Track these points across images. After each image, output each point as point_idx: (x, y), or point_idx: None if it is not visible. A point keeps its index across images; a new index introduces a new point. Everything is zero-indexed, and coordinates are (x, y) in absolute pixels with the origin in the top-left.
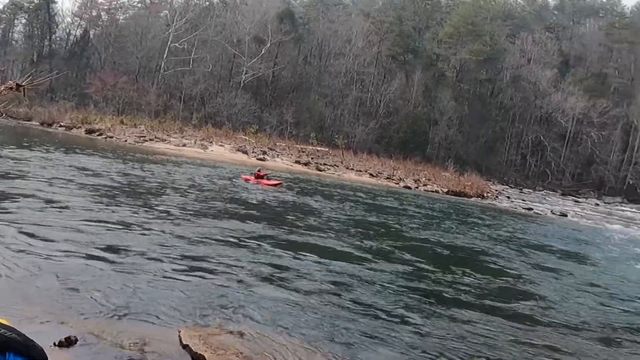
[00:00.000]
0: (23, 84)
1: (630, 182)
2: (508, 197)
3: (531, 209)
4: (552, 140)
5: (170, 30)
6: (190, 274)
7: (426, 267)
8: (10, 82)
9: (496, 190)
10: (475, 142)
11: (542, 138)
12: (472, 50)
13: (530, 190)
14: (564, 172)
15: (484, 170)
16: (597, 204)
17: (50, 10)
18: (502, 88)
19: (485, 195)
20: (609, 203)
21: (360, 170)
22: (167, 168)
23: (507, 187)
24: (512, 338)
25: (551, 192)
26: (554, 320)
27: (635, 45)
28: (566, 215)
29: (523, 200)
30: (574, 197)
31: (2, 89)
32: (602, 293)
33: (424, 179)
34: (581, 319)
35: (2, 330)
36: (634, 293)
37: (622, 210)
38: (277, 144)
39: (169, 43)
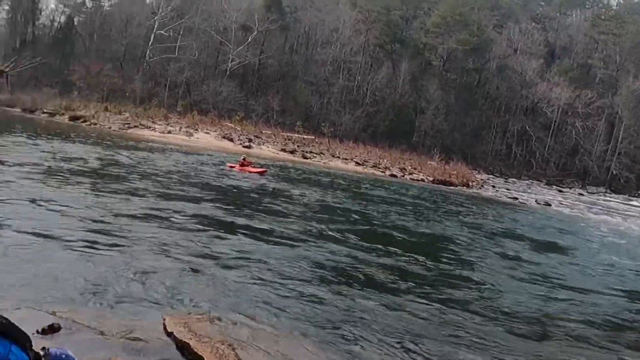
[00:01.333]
0: (5, 70)
1: (614, 173)
2: (493, 186)
3: (516, 199)
4: (537, 130)
5: (155, 18)
6: (175, 261)
7: (400, 255)
8: None
9: (481, 179)
10: (461, 131)
11: (527, 128)
12: (459, 39)
13: (515, 180)
14: (549, 162)
15: (470, 159)
16: (581, 194)
17: None
18: (489, 78)
19: (470, 184)
20: (592, 193)
21: (347, 159)
22: (152, 155)
23: (493, 176)
24: (449, 327)
25: (536, 182)
26: (493, 310)
27: (620, 37)
28: (550, 205)
29: (508, 189)
30: (558, 187)
31: None
32: (561, 284)
33: (410, 167)
34: (517, 309)
35: (5, 321)
36: (595, 284)
37: (606, 200)
38: (263, 131)
39: (154, 30)
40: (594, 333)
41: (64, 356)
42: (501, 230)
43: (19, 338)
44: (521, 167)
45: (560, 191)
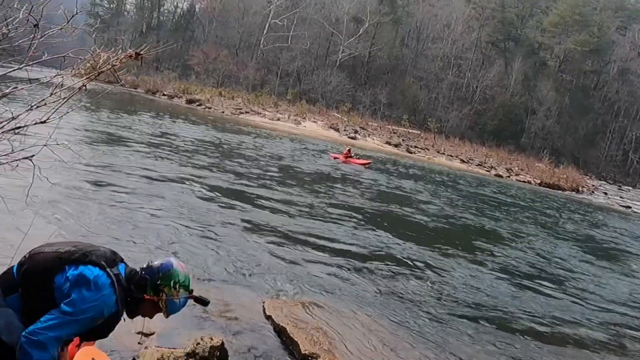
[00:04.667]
0: (141, 53)
1: None
2: (605, 193)
3: (629, 207)
4: None
5: (271, 7)
6: (271, 245)
7: (492, 257)
8: (130, 50)
9: (592, 185)
10: (573, 134)
11: None
12: (578, 40)
13: (630, 188)
14: None
15: (581, 164)
16: None
17: None
18: (608, 81)
19: (580, 189)
20: None
21: (452, 155)
22: (260, 140)
23: (605, 182)
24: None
25: None
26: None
27: None
28: None
29: (621, 197)
30: None
31: (122, 57)
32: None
33: (516, 168)
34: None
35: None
36: None
37: None
38: (369, 123)
39: (269, 19)
40: None
41: (164, 265)
42: (606, 239)
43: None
44: (638, 175)
45: None
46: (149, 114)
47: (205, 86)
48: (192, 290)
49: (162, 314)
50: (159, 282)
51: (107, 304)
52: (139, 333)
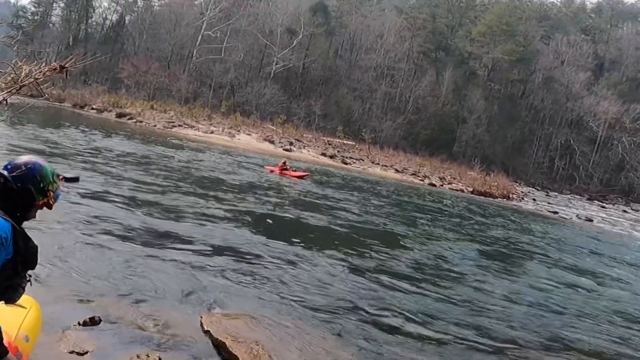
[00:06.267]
0: (66, 66)
1: None
2: (534, 200)
3: (556, 212)
4: (582, 144)
5: (204, 19)
6: (210, 259)
7: (424, 263)
8: (54, 63)
9: (522, 192)
10: (502, 142)
11: (571, 141)
12: (505, 49)
13: (557, 194)
14: (592, 177)
15: (511, 171)
16: (625, 211)
17: None
18: (534, 89)
19: (510, 196)
20: (637, 210)
21: (386, 166)
22: (193, 154)
23: (534, 189)
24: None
25: (578, 197)
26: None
27: None
28: (592, 221)
29: (549, 203)
30: (600, 203)
31: (46, 70)
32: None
33: (449, 177)
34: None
35: None
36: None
37: None
38: (304, 135)
39: (202, 31)
40: None
41: (33, 168)
42: (535, 244)
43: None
44: (563, 181)
45: (603, 207)
46: (76, 128)
47: (136, 99)
48: (59, 174)
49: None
50: (42, 185)
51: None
52: (71, 352)
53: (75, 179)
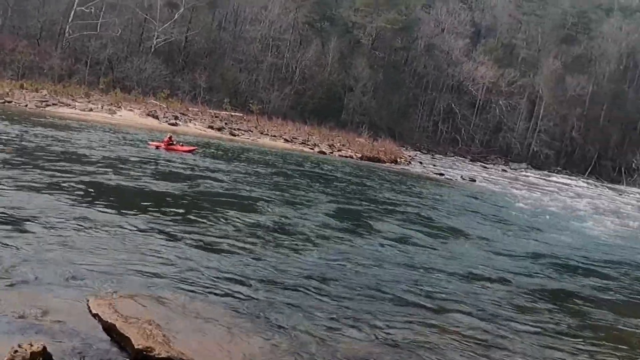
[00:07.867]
0: None
1: (535, 149)
2: (420, 163)
3: (442, 174)
4: (463, 108)
5: None
6: (98, 240)
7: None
8: None
9: (409, 156)
10: (388, 108)
11: (453, 106)
12: (388, 18)
13: (442, 156)
14: (474, 139)
15: (397, 136)
16: (505, 170)
17: None
18: (416, 56)
19: (398, 160)
20: (515, 169)
21: (275, 136)
22: (71, 132)
23: (420, 152)
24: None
25: (461, 158)
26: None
27: (542, 18)
28: (475, 181)
29: (434, 165)
30: (482, 163)
31: None
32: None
33: (338, 144)
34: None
35: None
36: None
37: (527, 176)
38: (190, 109)
39: (74, 7)
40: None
41: None
42: (425, 205)
43: None
44: (447, 144)
45: (485, 167)
46: None
47: (2, 79)
48: None
49: None
50: None
51: None
52: None
53: None
